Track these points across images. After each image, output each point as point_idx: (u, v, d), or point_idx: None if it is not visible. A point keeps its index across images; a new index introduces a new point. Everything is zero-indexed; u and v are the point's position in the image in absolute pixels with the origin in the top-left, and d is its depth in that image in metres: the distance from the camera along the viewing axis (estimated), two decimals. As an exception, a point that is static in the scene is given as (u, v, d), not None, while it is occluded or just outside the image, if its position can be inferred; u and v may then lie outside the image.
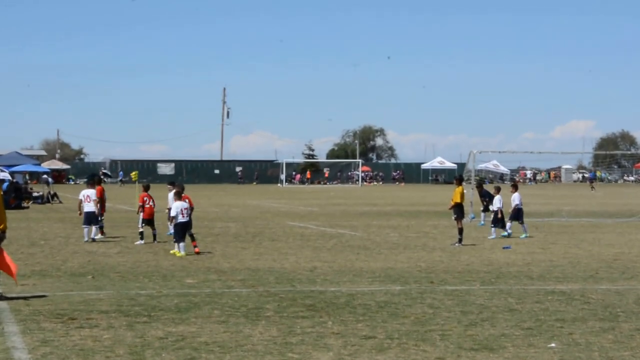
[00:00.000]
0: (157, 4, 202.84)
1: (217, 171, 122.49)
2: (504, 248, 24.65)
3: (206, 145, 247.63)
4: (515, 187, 30.60)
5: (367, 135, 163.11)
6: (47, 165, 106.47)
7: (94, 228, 26.44)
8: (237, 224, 34.49)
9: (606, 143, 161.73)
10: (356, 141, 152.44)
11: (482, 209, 34.75)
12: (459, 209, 25.94)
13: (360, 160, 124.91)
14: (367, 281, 17.52)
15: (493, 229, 28.54)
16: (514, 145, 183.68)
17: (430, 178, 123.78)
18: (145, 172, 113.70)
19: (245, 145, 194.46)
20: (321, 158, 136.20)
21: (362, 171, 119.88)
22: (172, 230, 24.00)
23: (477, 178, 44.02)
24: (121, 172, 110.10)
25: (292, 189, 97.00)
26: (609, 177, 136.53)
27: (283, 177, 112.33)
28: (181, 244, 22.22)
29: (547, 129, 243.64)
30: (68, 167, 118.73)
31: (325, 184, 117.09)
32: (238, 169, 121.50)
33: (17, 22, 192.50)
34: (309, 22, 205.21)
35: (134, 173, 37.73)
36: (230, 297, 15.26)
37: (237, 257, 22.07)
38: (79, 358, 10.62)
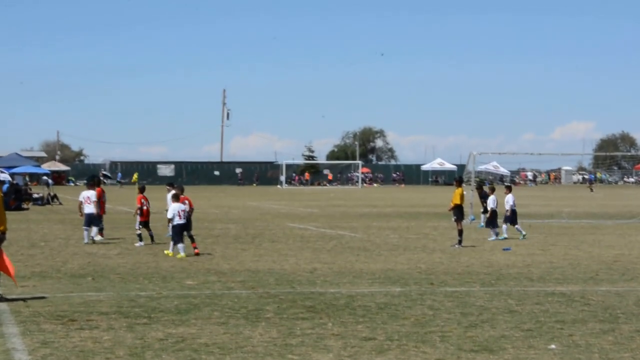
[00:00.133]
0: (156, 6, 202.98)
1: (217, 172, 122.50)
2: (504, 250, 24.64)
3: (206, 147, 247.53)
4: (509, 189, 30.56)
5: (367, 137, 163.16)
6: (47, 167, 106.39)
7: (94, 229, 26.43)
8: (237, 226, 34.50)
9: (606, 144, 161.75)
10: (356, 142, 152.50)
11: (482, 210, 34.71)
12: (458, 211, 25.95)
13: (360, 162, 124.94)
14: (367, 283, 17.52)
15: (492, 230, 28.52)
16: (514, 147, 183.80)
17: (430, 179, 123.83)
18: (145, 173, 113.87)
19: (245, 147, 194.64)
20: (321, 159, 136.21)
21: (362, 172, 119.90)
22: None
23: (477, 180, 43.98)
24: (119, 174, 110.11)
25: (292, 190, 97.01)
26: (609, 179, 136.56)
27: (283, 178, 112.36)
28: (180, 245, 22.23)
29: (547, 130, 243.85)
30: (68, 168, 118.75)
31: (325, 185, 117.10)
32: (238, 170, 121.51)
33: (17, 22, 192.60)
34: (309, 24, 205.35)
35: (134, 175, 37.78)
36: (230, 298, 15.26)
37: (237, 258, 22.07)
38: (79, 359, 10.62)
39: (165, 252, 22.42)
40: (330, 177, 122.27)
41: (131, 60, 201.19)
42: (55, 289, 16.32)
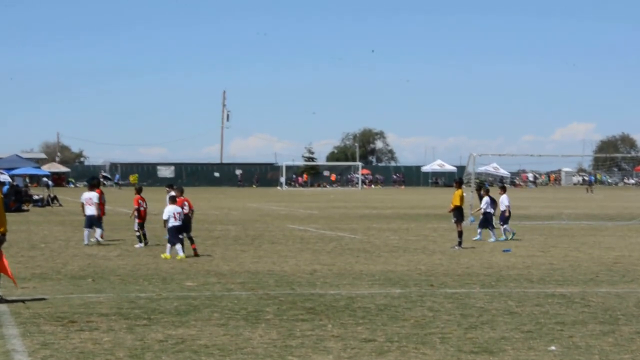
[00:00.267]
0: (156, 7, 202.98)
1: (217, 174, 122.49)
2: (504, 251, 24.64)
3: (206, 148, 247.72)
4: (503, 189, 30.53)
5: (367, 138, 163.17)
6: (47, 168, 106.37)
7: (98, 230, 26.35)
8: (236, 227, 34.50)
9: (606, 146, 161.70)
10: (356, 144, 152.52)
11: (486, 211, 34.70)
12: (458, 212, 25.95)
13: (360, 163, 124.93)
14: (367, 284, 17.52)
15: (492, 231, 28.53)
16: (514, 148, 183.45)
17: (430, 181, 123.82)
18: (145, 175, 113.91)
19: (245, 148, 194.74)
20: (321, 161, 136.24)
21: (362, 174, 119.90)
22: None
23: (477, 181, 43.99)
24: (117, 175, 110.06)
25: (292, 191, 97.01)
26: (609, 180, 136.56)
27: (283, 180, 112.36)
28: (178, 246, 22.26)
29: (548, 132, 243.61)
30: (68, 170, 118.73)
31: (325, 186, 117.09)
32: (238, 171, 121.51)
33: (17, 23, 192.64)
34: (309, 25, 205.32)
35: (133, 176, 37.80)
36: (230, 300, 15.26)
37: (236, 260, 22.07)
38: (79, 361, 10.63)
39: (162, 255, 22.38)
40: (333, 177, 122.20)
41: (131, 61, 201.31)
42: (56, 291, 16.32)
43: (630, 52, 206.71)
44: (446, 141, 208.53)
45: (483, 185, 38.13)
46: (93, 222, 26.26)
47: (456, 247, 25.30)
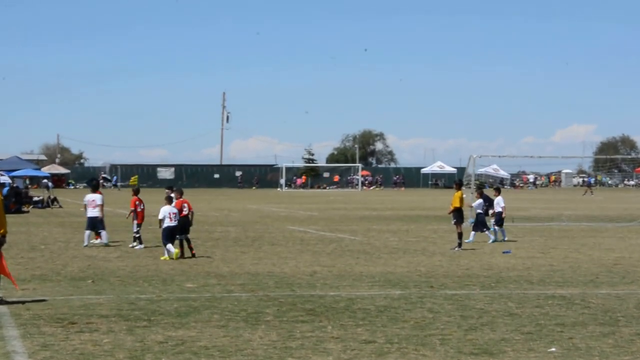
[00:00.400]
0: (156, 8, 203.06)
1: (217, 175, 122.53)
2: (504, 252, 24.64)
3: (206, 150, 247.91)
4: (498, 191, 30.50)
5: (366, 140, 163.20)
6: (47, 170, 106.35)
7: (104, 233, 26.30)
8: (236, 229, 34.50)
9: (607, 147, 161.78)
10: (356, 145, 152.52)
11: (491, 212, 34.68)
12: (458, 214, 25.95)
13: (359, 165, 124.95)
14: (367, 285, 17.52)
15: (489, 232, 28.51)
16: (514, 150, 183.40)
17: (430, 182, 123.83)
18: (145, 176, 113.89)
19: (245, 150, 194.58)
20: (321, 162, 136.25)
21: (362, 175, 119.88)
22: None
23: (477, 182, 43.98)
24: (115, 177, 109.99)
25: (292, 193, 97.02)
26: (609, 182, 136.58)
27: (283, 181, 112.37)
28: (169, 246, 22.40)
29: (548, 133, 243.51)
30: (68, 171, 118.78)
31: (325, 188, 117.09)
32: (238, 173, 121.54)
33: (16, 24, 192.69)
34: (310, 27, 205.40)
35: (133, 177, 37.84)
36: (230, 301, 15.26)
37: (236, 261, 22.07)
38: (79, 362, 10.63)
39: (162, 257, 22.41)
40: (336, 179, 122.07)
41: (131, 63, 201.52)
42: (55, 292, 16.32)
43: (630, 54, 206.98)
44: (446, 143, 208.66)
45: (483, 187, 38.15)
46: (96, 224, 26.24)
47: (456, 249, 25.30)
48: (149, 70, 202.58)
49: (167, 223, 22.53)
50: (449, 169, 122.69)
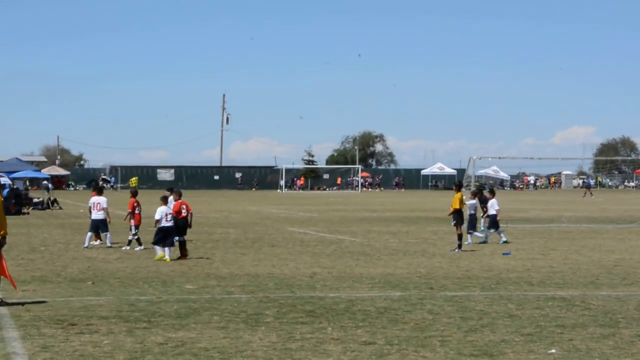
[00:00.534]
0: (156, 10, 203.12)
1: (216, 177, 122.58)
2: (504, 254, 24.63)
3: (206, 151, 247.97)
4: (492, 193, 30.47)
5: (366, 141, 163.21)
6: (47, 172, 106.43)
7: (108, 235, 26.31)
8: (236, 230, 34.49)
9: (607, 149, 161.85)
10: (356, 147, 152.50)
11: (482, 215, 34.73)
12: (458, 215, 25.95)
13: (359, 166, 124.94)
14: (367, 287, 17.51)
15: (476, 233, 28.50)
16: (514, 151, 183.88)
17: (430, 184, 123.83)
18: (145, 178, 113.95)
19: (245, 151, 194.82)
20: (321, 164, 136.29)
21: (362, 177, 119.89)
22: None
23: (477, 184, 44.00)
24: (113, 178, 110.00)
25: (292, 194, 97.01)
26: (609, 183, 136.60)
27: (283, 183, 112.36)
28: (158, 247, 22.50)
29: (548, 135, 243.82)
30: (68, 173, 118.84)
31: (325, 189, 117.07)
32: (238, 175, 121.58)
33: (16, 25, 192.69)
34: (310, 28, 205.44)
35: (133, 179, 37.85)
36: (229, 303, 15.25)
37: (236, 263, 22.06)
38: (79, 364, 10.62)
39: (156, 258, 22.42)
40: (339, 180, 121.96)
41: (131, 64, 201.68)
42: (55, 293, 16.32)
43: (630, 56, 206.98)
44: (446, 144, 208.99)
45: (483, 188, 38.15)
46: (100, 226, 26.27)
47: (456, 250, 25.30)
48: (149, 72, 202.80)
49: (164, 224, 22.60)
50: (449, 170, 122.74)
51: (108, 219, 26.30)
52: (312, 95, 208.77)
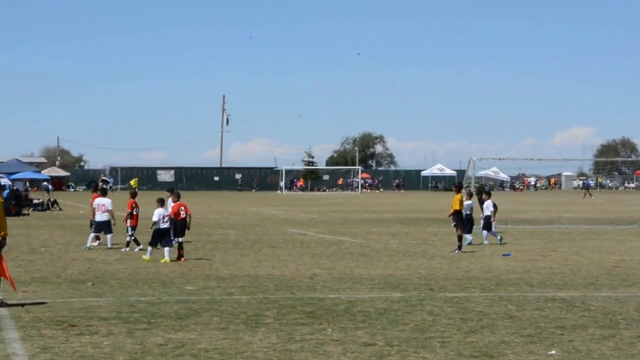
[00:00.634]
0: (156, 11, 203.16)
1: (216, 178, 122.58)
2: (504, 255, 24.63)
3: (206, 153, 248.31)
4: (488, 195, 30.44)
5: (366, 142, 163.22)
6: (47, 173, 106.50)
7: (109, 236, 26.31)
8: (236, 231, 34.49)
9: (607, 150, 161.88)
10: (356, 148, 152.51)
11: (481, 216, 34.70)
12: (458, 217, 25.96)
13: (359, 167, 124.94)
14: (367, 288, 17.51)
15: (484, 234, 28.48)
16: (514, 152, 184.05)
17: (429, 185, 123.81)
18: (145, 179, 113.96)
19: (245, 153, 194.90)
20: (321, 165, 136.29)
21: (362, 178, 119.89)
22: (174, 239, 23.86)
23: (477, 185, 43.98)
24: (112, 179, 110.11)
25: (292, 196, 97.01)
26: (609, 184, 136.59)
27: (282, 184, 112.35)
28: (150, 249, 22.61)
29: (548, 136, 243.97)
30: (68, 174, 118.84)
31: (324, 190, 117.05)
32: (238, 176, 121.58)
33: (16, 25, 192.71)
34: (310, 29, 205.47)
35: (133, 180, 37.87)
36: (229, 304, 15.25)
37: (236, 264, 22.06)
38: (79, 365, 10.62)
39: (162, 260, 22.42)
40: (340, 181, 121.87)
41: (131, 65, 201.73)
42: (55, 295, 16.31)
43: (630, 56, 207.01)
44: (446, 145, 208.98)
45: (483, 190, 38.13)
46: (103, 227, 26.27)
47: (456, 251, 25.30)
48: (149, 73, 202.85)
49: (161, 225, 22.64)
50: (448, 171, 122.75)
51: (112, 221, 26.33)
52: (311, 95, 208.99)
